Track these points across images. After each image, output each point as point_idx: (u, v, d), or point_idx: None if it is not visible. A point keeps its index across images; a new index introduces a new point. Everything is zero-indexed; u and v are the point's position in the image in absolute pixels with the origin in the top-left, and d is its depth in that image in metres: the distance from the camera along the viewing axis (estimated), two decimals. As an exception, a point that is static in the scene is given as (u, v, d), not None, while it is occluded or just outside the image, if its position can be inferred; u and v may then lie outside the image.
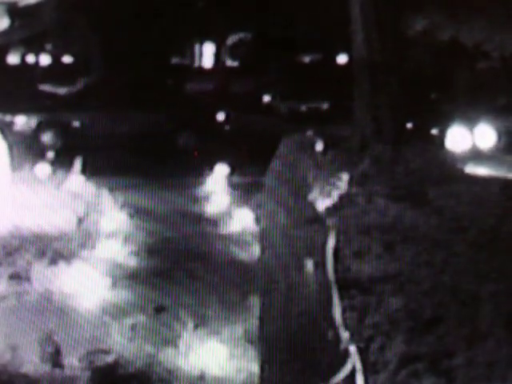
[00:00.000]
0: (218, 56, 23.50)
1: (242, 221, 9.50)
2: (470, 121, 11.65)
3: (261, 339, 5.89)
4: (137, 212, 9.72)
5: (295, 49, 20.98)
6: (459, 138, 11.31)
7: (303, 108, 19.01)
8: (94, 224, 8.92)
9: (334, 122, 14.35)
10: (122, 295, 7.20)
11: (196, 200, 10.98)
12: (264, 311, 6.06)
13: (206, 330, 6.43)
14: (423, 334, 4.31)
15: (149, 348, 6.18)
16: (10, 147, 10.10)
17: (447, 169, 7.75)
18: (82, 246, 8.18)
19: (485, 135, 11.37)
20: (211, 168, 12.27)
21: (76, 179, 10.50)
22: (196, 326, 6.49)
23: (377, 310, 4.58)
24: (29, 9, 16.30)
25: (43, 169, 10.91)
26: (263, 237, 7.53)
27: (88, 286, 7.13)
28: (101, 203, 9.67)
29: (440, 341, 4.26)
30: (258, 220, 9.00)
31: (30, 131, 15.83)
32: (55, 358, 5.91)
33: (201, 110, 17.50)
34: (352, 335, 4.37)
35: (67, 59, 22.17)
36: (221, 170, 12.21)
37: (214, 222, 9.84)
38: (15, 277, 7.31)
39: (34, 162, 11.05)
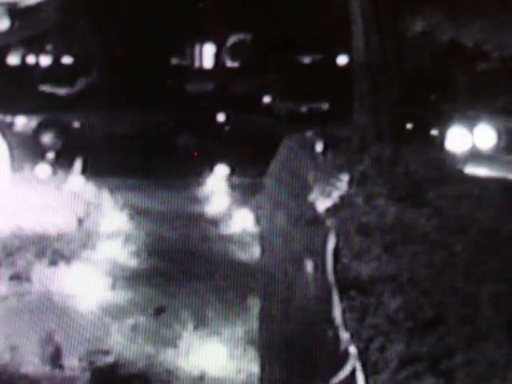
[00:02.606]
0: (218, 57, 23.52)
1: (242, 221, 9.50)
2: (470, 121, 11.64)
3: (261, 340, 5.90)
4: (137, 212, 9.72)
5: (295, 50, 21.00)
6: (459, 139, 11.30)
7: (303, 109, 19.01)
8: (94, 224, 8.92)
9: (333, 122, 14.36)
10: (123, 296, 7.21)
11: (196, 200, 10.98)
12: (264, 312, 6.06)
13: (206, 331, 6.44)
14: (423, 335, 4.32)
15: (149, 348, 6.19)
16: (11, 148, 10.11)
17: (447, 169, 7.75)
18: (83, 246, 8.19)
19: (485, 135, 11.36)
20: (211, 168, 12.28)
21: (76, 180, 10.51)
22: (196, 327, 6.50)
23: (377, 310, 4.59)
24: (29, 10, 16.31)
25: (43, 169, 10.92)
26: (263, 237, 7.53)
27: (88, 286, 7.13)
28: (101, 204, 9.67)
29: (440, 341, 4.27)
30: (257, 221, 9.00)
31: (31, 132, 15.84)
32: (55, 359, 5.91)
33: (201, 111, 17.51)
34: (352, 336, 4.37)
35: (67, 60, 22.20)
36: (221, 171, 12.22)
37: (214, 222, 9.85)
38: (16, 277, 7.32)
39: (35, 163, 11.06)
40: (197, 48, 24.05)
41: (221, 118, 17.47)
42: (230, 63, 23.44)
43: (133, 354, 6.05)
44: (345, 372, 4.17)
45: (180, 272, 7.76)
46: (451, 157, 9.80)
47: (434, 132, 12.60)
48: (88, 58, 20.77)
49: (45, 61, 22.23)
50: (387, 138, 9.88)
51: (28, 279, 7.29)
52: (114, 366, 5.88)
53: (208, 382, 5.80)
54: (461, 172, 8.23)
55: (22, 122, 15.94)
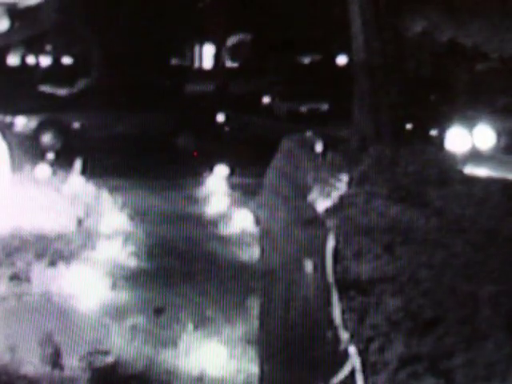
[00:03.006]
0: (217, 57, 23.54)
1: (242, 222, 9.50)
2: (470, 121, 11.66)
3: (260, 340, 5.89)
4: (137, 213, 9.73)
5: (295, 50, 21.01)
6: (459, 139, 11.32)
7: (303, 109, 19.03)
8: (93, 225, 8.92)
9: (333, 122, 14.39)
10: (122, 296, 7.21)
11: (195, 201, 10.99)
12: (263, 312, 6.05)
13: (205, 331, 6.44)
14: (423, 335, 4.32)
15: (148, 349, 6.19)
16: (11, 148, 10.11)
17: (447, 170, 7.75)
18: (82, 246, 8.18)
19: (484, 136, 11.38)
20: (211, 169, 12.28)
21: (76, 180, 10.51)
22: (195, 327, 6.50)
23: (376, 310, 4.59)
24: (29, 10, 16.31)
25: (43, 169, 10.92)
26: (263, 238, 7.53)
27: (88, 286, 7.13)
28: (101, 204, 9.67)
29: (440, 341, 4.27)
30: (257, 221, 9.00)
31: (30, 132, 15.85)
32: (55, 359, 5.91)
33: (201, 111, 17.52)
34: (351, 336, 4.37)
35: (67, 60, 22.22)
36: (220, 171, 12.22)
37: (214, 222, 9.85)
38: (15, 278, 7.31)
39: (34, 163, 11.06)
40: (197, 48, 24.07)
41: (220, 118, 17.48)
42: (229, 63, 23.47)
43: (132, 354, 6.05)
44: (344, 372, 4.17)
45: (180, 272, 7.76)
46: (451, 157, 9.80)
47: (434, 132, 12.61)
48: (88, 58, 20.79)
49: (45, 61, 22.25)
50: (387, 138, 9.90)
51: (27, 279, 7.29)
52: (113, 366, 5.88)
53: (207, 382, 5.80)
54: (460, 172, 8.23)
55: (21, 123, 15.94)
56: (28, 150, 12.18)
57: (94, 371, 5.80)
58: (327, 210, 6.02)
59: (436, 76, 13.93)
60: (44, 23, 18.32)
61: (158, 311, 6.88)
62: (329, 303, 4.67)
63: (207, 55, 24.05)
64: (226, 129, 17.44)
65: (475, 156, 10.77)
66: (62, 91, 18.75)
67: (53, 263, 7.61)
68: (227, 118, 17.50)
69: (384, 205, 6.07)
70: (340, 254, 5.19)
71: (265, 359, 5.39)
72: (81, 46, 21.25)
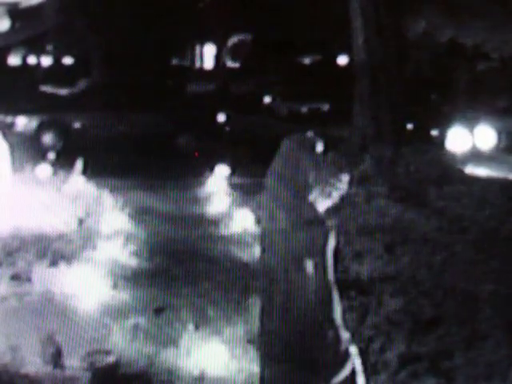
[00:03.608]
0: (218, 57, 23.53)
1: (243, 221, 9.50)
2: (470, 121, 11.67)
3: (261, 340, 5.90)
4: (137, 213, 9.73)
5: (295, 50, 21.01)
6: (459, 139, 11.33)
7: (303, 109, 19.03)
8: (94, 225, 8.92)
9: (334, 122, 14.39)
10: (123, 296, 7.21)
11: (196, 201, 10.99)
12: (264, 312, 6.06)
13: (206, 331, 6.44)
14: (423, 335, 4.33)
15: (150, 348, 6.19)
16: (11, 148, 10.12)
17: (447, 169, 7.76)
18: (83, 246, 8.18)
19: (485, 136, 11.40)
20: (211, 169, 12.28)
21: (77, 180, 10.52)
22: (197, 327, 6.50)
23: (377, 310, 4.60)
24: (30, 10, 16.32)
25: (44, 169, 10.93)
26: (263, 238, 7.53)
27: (89, 286, 7.13)
28: (102, 204, 9.68)
29: (440, 341, 4.28)
30: (258, 221, 9.00)
31: (31, 132, 15.85)
32: (56, 359, 5.91)
33: (201, 111, 17.53)
34: (352, 336, 4.38)
35: (68, 60, 22.22)
36: (221, 171, 12.22)
37: (215, 222, 9.85)
38: (16, 278, 7.32)
39: (35, 163, 11.07)
40: (197, 48, 24.06)
41: (221, 118, 17.48)
42: (230, 63, 23.46)
43: (134, 354, 6.05)
44: (345, 372, 4.17)
45: (181, 272, 7.77)
46: (451, 157, 9.82)
47: (435, 132, 12.63)
48: (88, 58, 20.79)
49: (45, 61, 22.25)
50: (388, 138, 9.91)
51: (28, 279, 7.29)
52: (115, 366, 5.88)
53: (209, 381, 5.80)
54: (461, 172, 8.24)
55: (22, 123, 15.95)
56: (29, 149, 12.19)
57: (96, 371, 5.80)
58: (328, 210, 6.03)
59: (436, 76, 13.94)
60: (45, 23, 18.35)
61: (159, 311, 6.88)
62: (329, 303, 4.67)
63: (208, 55, 24.05)
64: (227, 129, 17.44)
65: (476, 156, 10.78)
66: (62, 91, 18.77)
67: (54, 263, 7.61)
68: (228, 118, 17.50)
69: (385, 204, 6.09)
70: (340, 253, 5.20)
71: (265, 359, 5.40)
72: (81, 46, 21.25)
